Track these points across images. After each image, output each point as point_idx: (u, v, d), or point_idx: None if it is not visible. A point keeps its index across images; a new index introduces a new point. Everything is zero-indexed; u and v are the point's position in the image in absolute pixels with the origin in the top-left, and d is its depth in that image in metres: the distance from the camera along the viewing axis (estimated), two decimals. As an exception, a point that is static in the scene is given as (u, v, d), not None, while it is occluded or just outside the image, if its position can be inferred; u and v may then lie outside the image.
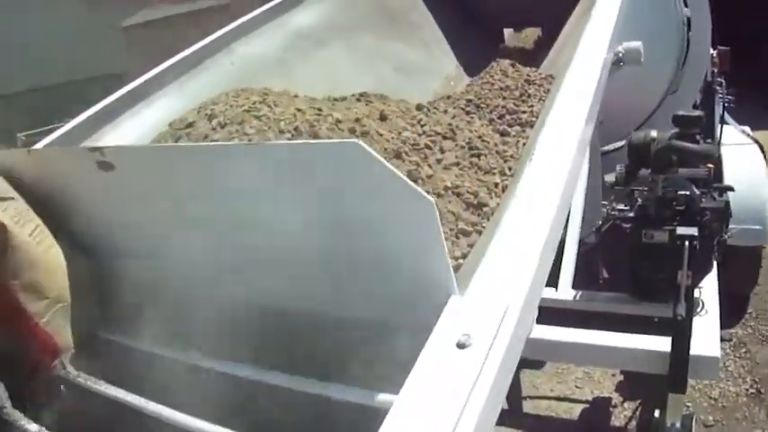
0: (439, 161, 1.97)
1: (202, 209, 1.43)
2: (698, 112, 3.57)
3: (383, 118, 2.15)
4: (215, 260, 1.51)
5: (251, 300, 1.48)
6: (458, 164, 1.99)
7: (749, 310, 5.64)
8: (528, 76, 2.87)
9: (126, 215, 1.62)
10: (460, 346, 1.13)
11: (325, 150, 1.27)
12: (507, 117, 2.44)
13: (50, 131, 2.24)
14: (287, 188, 1.29)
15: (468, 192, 1.83)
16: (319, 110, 2.07)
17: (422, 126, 2.16)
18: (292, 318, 1.43)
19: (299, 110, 2.03)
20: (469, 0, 4.26)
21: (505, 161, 2.09)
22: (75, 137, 2.22)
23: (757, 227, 4.61)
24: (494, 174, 1.99)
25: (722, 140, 4.79)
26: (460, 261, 1.55)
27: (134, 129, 2.36)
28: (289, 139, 1.90)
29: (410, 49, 3.73)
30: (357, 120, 2.04)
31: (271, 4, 3.21)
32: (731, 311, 4.18)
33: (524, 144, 2.24)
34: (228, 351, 1.50)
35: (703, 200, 3.22)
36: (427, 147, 2.01)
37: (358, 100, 2.57)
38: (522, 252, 1.35)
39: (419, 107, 2.40)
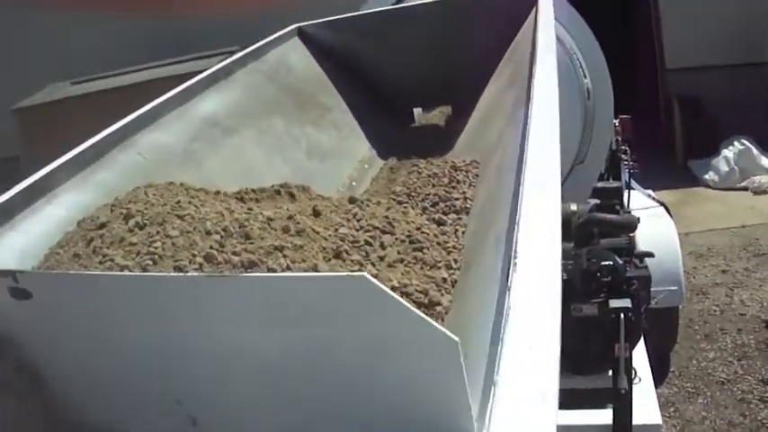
0: (382, 258, 1.86)
1: (170, 359, 1.24)
2: (617, 183, 3.64)
3: (317, 214, 2.03)
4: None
5: None
6: (402, 260, 1.88)
7: (672, 369, 5.77)
8: (453, 162, 2.81)
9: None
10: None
11: (326, 286, 1.12)
12: (441, 205, 2.36)
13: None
14: (278, 330, 1.13)
15: (417, 291, 1.72)
16: (249, 208, 1.93)
17: (358, 221, 2.05)
18: None
19: (226, 208, 1.89)
20: (378, 80, 4.22)
21: (449, 253, 2.00)
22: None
23: (674, 288, 4.75)
24: (440, 268, 1.89)
25: (630, 206, 4.88)
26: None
27: (36, 228, 2.12)
28: (218, 241, 1.75)
29: (321, 133, 3.65)
30: (290, 217, 1.91)
31: (175, 90, 3.06)
32: (655, 372, 4.24)
33: (463, 232, 2.16)
34: None
35: (627, 269, 3.25)
36: (367, 243, 1.89)
37: (278, 192, 2.44)
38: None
39: (352, 200, 2.29)
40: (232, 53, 7.95)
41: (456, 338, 1.04)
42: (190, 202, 1.98)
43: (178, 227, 1.81)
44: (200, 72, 3.38)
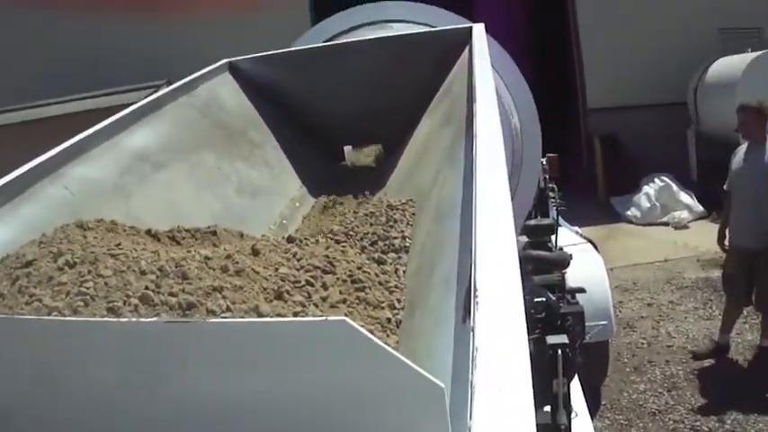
0: (324, 299, 1.80)
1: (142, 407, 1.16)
2: (548, 221, 3.67)
3: (255, 253, 1.97)
4: None
5: None
6: (344, 300, 1.83)
7: (603, 402, 5.86)
8: (389, 201, 2.77)
9: None
10: None
11: (303, 330, 1.08)
12: (380, 244, 2.31)
13: None
14: (246, 377, 1.07)
15: (362, 332, 1.67)
16: (187, 250, 1.86)
17: (298, 260, 1.99)
18: None
19: (161, 247, 1.81)
20: (309, 118, 4.19)
21: (391, 292, 1.95)
22: None
23: (604, 322, 4.83)
24: (383, 308, 1.84)
25: (559, 243, 4.94)
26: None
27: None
28: (154, 281, 1.67)
29: (252, 169, 3.58)
30: (228, 256, 1.84)
31: (104, 123, 2.96)
32: (588, 406, 4.27)
33: (404, 271, 2.12)
34: None
35: (561, 305, 3.29)
36: (309, 283, 1.83)
37: (213, 233, 2.37)
38: None
39: (290, 239, 2.23)
40: (158, 87, 7.87)
41: (441, 384, 1.00)
42: (122, 242, 1.90)
43: (111, 266, 1.72)
44: (129, 105, 3.29)
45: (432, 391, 1.00)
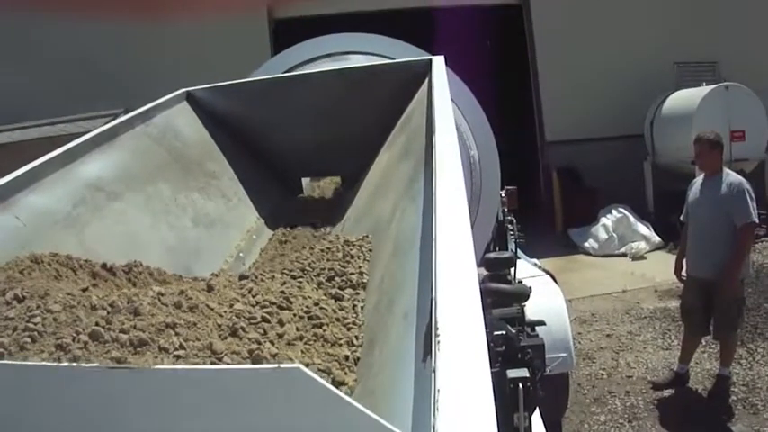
0: (281, 336, 1.75)
1: None
2: (508, 254, 3.66)
3: (209, 288, 1.92)
4: None
5: None
6: (301, 337, 1.79)
7: (564, 435, 5.85)
8: (346, 238, 2.74)
9: None
10: None
11: (256, 378, 1.04)
12: (337, 279, 2.27)
13: None
14: (207, 425, 1.02)
15: (320, 370, 1.63)
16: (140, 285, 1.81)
17: (253, 296, 1.94)
18: None
19: (113, 282, 1.76)
20: (266, 149, 4.16)
21: (348, 329, 1.91)
22: None
23: (564, 354, 4.84)
24: (341, 345, 1.81)
25: (518, 276, 4.94)
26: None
27: None
28: (105, 317, 1.62)
29: (208, 200, 3.53)
30: (182, 292, 1.79)
31: (57, 151, 2.90)
32: None
33: (362, 307, 2.08)
34: None
35: (521, 338, 3.27)
36: (264, 320, 1.79)
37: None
38: None
39: (243, 276, 2.18)
40: (116, 115, 7.79)
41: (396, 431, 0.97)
42: (74, 276, 1.85)
43: (61, 300, 1.67)
44: (83, 133, 3.23)
45: None
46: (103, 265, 2.21)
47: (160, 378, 1.06)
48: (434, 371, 1.10)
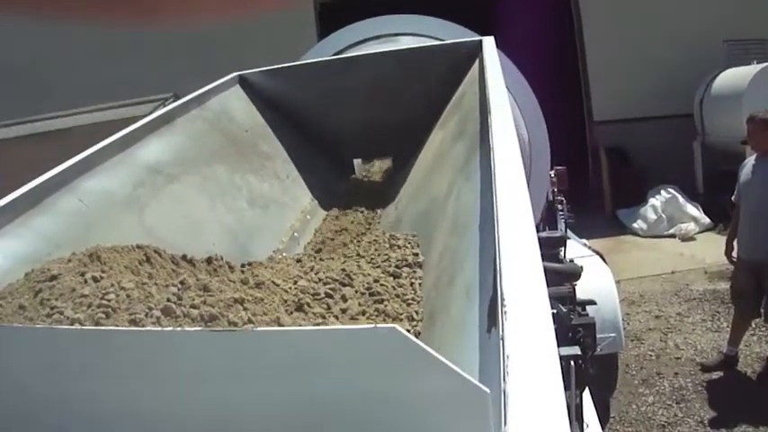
0: (344, 311, 1.81)
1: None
2: (559, 233, 3.66)
3: (274, 266, 1.98)
4: None
5: None
6: (364, 312, 1.84)
7: (612, 415, 5.84)
8: (391, 233, 2.78)
9: None
10: None
11: (355, 336, 1.09)
12: (393, 260, 2.31)
13: None
14: (290, 387, 1.07)
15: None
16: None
17: (316, 273, 1.99)
18: None
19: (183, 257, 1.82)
20: (319, 130, 4.21)
21: (408, 305, 1.96)
22: None
23: (613, 334, 4.82)
24: (402, 320, 1.85)
25: (568, 256, 4.93)
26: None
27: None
28: (176, 293, 1.67)
29: (263, 182, 3.60)
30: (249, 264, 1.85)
31: (116, 136, 2.97)
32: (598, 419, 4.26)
33: (420, 284, 2.12)
34: None
35: (572, 317, 3.27)
36: (328, 295, 1.84)
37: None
38: None
39: (306, 257, 2.24)
40: (165, 100, 7.89)
41: (486, 389, 1.01)
42: (145, 254, 1.91)
43: (134, 279, 1.73)
44: (136, 119, 3.31)
45: (476, 397, 1.01)
46: (183, 257, 2.26)
47: (259, 339, 1.12)
48: (502, 339, 1.14)
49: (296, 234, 3.34)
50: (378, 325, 1.04)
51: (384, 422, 1.08)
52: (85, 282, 1.74)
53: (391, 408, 1.07)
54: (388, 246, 2.57)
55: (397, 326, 1.01)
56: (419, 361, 1.02)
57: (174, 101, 3.77)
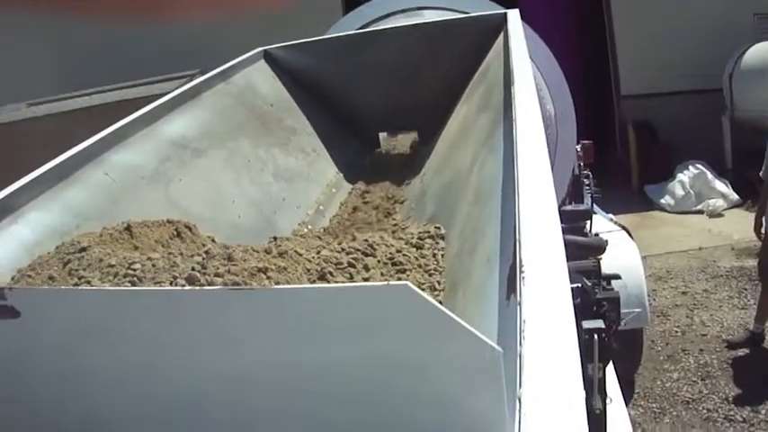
0: (366, 280, 1.83)
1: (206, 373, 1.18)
2: (585, 206, 3.65)
3: (296, 236, 2.00)
4: None
5: None
6: (386, 282, 1.85)
7: (636, 390, 5.83)
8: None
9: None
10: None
11: (368, 294, 1.10)
12: (415, 232, 2.33)
13: None
14: (308, 346, 1.09)
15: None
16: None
17: (339, 243, 2.02)
18: None
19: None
20: (344, 104, 4.21)
21: (430, 275, 1.98)
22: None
23: (638, 310, 4.81)
24: (424, 290, 1.86)
25: (594, 230, 4.92)
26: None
27: (4, 249, 2.05)
28: (200, 262, 1.70)
29: (288, 156, 3.62)
30: (273, 238, 1.88)
31: (142, 111, 3.00)
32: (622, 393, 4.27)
33: (442, 255, 2.14)
34: None
35: (596, 291, 3.26)
36: (350, 265, 1.86)
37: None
38: None
39: (330, 229, 2.27)
40: (192, 76, 7.92)
41: (499, 348, 1.02)
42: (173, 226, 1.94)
43: (159, 250, 1.76)
44: (162, 95, 3.33)
45: (489, 355, 1.02)
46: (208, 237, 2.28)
47: (278, 297, 1.14)
48: (519, 304, 1.15)
49: (321, 207, 3.37)
50: (390, 282, 1.05)
51: (395, 380, 1.09)
52: (110, 253, 1.78)
53: (403, 365, 1.08)
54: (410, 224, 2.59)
55: (409, 282, 1.02)
56: (431, 318, 1.04)
57: (201, 77, 3.79)
